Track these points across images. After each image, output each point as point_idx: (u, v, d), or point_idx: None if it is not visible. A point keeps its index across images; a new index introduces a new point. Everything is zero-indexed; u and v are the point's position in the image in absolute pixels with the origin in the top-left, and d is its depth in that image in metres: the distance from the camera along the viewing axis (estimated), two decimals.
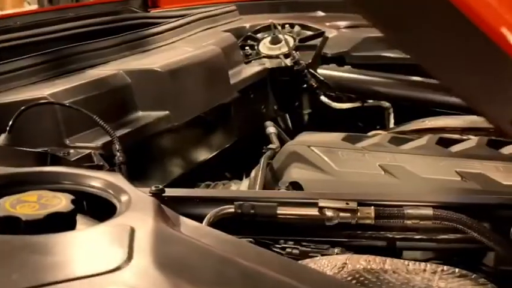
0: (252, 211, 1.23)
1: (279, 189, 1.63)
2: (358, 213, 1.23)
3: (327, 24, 2.78)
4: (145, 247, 0.89)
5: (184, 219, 1.05)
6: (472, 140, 1.79)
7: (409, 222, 1.23)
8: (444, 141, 1.80)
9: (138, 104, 1.76)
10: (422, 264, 1.29)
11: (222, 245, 0.97)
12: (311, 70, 2.46)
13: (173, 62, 1.85)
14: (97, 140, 1.54)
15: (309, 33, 2.65)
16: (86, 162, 1.45)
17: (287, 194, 1.38)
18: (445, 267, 1.29)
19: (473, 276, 1.27)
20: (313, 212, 1.24)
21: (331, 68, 2.49)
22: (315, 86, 2.44)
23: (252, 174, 1.86)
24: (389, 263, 1.29)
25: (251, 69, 2.35)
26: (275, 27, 2.58)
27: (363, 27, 2.81)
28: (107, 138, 1.53)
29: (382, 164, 1.68)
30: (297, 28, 2.65)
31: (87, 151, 1.49)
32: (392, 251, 1.43)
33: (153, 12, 3.31)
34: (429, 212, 1.23)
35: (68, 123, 1.55)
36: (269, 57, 2.54)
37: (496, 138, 1.90)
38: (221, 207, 1.24)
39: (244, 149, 2.24)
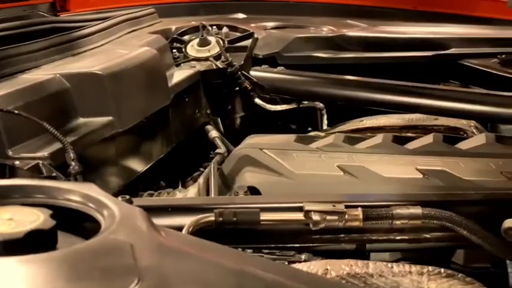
0: (234, 219, 1.14)
1: (236, 195, 1.55)
2: (346, 216, 1.16)
3: (252, 25, 2.72)
4: (151, 265, 0.79)
5: (169, 231, 0.95)
6: (428, 137, 1.76)
7: (397, 222, 1.18)
8: (399, 139, 1.77)
9: (79, 110, 1.63)
10: (407, 265, 1.25)
11: (225, 257, 0.89)
12: (244, 72, 2.39)
13: (113, 64, 1.73)
14: (42, 149, 1.41)
15: (238, 34, 2.58)
16: (34, 173, 1.31)
17: (267, 199, 1.29)
18: (431, 268, 1.25)
19: (459, 276, 1.23)
20: (299, 216, 1.16)
21: (264, 70, 2.44)
22: (250, 88, 2.37)
23: (201, 180, 1.76)
24: (372, 266, 1.24)
25: (184, 72, 2.26)
26: (204, 28, 2.50)
27: (290, 27, 2.78)
28: (54, 147, 1.40)
29: (341, 164, 1.63)
30: (225, 29, 2.57)
31: (34, 162, 1.35)
32: (360, 254, 1.38)
33: (64, 16, 3.15)
34: (418, 211, 1.18)
35: (10, 132, 1.40)
36: (198, 59, 2.45)
37: (447, 135, 1.90)
38: (200, 216, 1.14)
39: (179, 156, 2.14)
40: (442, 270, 1.24)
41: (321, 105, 2.45)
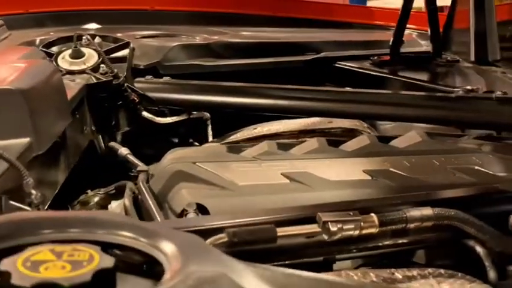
0: (250, 237, 1.02)
1: (186, 214, 1.41)
2: (362, 223, 1.08)
3: (119, 34, 2.56)
4: None
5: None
6: (362, 138, 1.73)
7: (411, 225, 1.12)
8: (332, 142, 1.72)
9: None
10: (405, 270, 1.20)
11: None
12: (129, 84, 2.23)
13: (21, 79, 1.50)
14: None
15: (111, 44, 2.40)
16: None
17: (275, 212, 1.17)
18: (430, 269, 1.21)
19: (459, 275, 1.21)
20: (315, 228, 1.07)
21: (151, 81, 2.29)
22: (137, 101, 2.21)
23: (126, 201, 1.59)
24: (373, 274, 1.18)
25: (71, 87, 2.04)
26: (79, 38, 2.29)
27: (162, 36, 2.66)
28: None
29: (284, 172, 1.55)
30: (97, 39, 2.38)
31: None
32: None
33: None
34: (429, 211, 1.13)
35: None
36: (72, 73, 2.23)
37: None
38: (213, 238, 1.01)
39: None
40: (442, 270, 1.20)
41: (208, 115, 2.34)
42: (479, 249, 1.29)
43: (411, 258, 1.47)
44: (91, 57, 2.28)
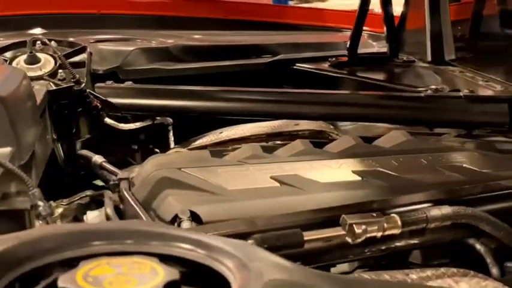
0: (278, 243, 0.98)
1: (179, 221, 1.35)
2: (385, 224, 1.06)
3: (71, 39, 2.46)
4: None
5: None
6: (346, 138, 1.71)
7: (432, 225, 1.10)
8: (316, 144, 1.70)
9: None
10: (419, 270, 1.18)
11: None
12: (90, 90, 2.15)
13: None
14: None
15: (67, 49, 2.31)
16: None
17: (298, 216, 1.12)
18: (443, 269, 1.20)
19: (472, 273, 1.20)
20: (340, 231, 1.03)
21: (113, 86, 2.21)
22: (99, 107, 2.13)
23: (108, 210, 1.52)
24: (387, 277, 1.15)
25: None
26: (34, 43, 2.20)
27: (116, 40, 2.59)
28: None
29: (274, 175, 1.51)
30: (53, 44, 2.28)
31: None
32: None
33: None
34: (449, 210, 1.11)
35: None
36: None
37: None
38: None
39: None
40: (455, 269, 1.19)
41: (170, 120, 2.28)
42: (479, 246, 1.29)
43: (407, 258, 1.46)
44: (47, 62, 2.19)
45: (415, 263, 1.46)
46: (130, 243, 0.73)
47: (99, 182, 2.05)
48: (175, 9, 3.00)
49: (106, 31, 2.77)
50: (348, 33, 2.90)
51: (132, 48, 2.39)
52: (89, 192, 1.99)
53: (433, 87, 2.14)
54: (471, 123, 2.04)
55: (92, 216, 1.69)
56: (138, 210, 1.42)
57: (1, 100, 1.34)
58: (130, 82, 2.23)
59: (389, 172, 1.52)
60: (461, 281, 1.15)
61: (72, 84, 2.08)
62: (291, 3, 7.08)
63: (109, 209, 1.52)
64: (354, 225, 1.03)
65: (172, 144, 2.34)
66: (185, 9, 3.02)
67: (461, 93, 2.04)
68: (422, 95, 2.09)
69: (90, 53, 2.31)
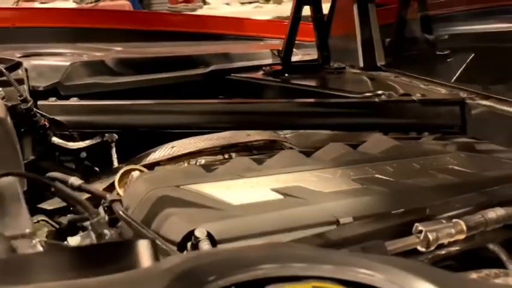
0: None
1: (197, 242, 1.28)
2: (453, 230, 1.05)
3: None
4: None
5: None
6: (334, 146, 1.70)
7: (489, 228, 1.11)
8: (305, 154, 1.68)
9: None
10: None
11: None
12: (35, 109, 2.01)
13: None
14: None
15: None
16: None
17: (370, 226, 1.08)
18: (486, 271, 1.21)
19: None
20: (416, 240, 1.02)
21: (56, 104, 2.08)
22: (47, 126, 2.00)
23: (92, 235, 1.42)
24: None
25: None
26: None
27: (44, 55, 2.45)
28: None
29: (275, 187, 1.48)
30: None
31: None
32: None
33: None
34: (502, 212, 1.13)
35: None
36: None
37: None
38: None
39: None
40: (496, 270, 1.21)
41: (116, 136, 2.18)
42: (492, 246, 1.32)
43: None
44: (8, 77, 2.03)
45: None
46: (298, 267, 0.68)
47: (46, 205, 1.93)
48: (92, 21, 2.89)
49: (23, 46, 2.62)
50: (271, 42, 2.92)
51: (69, 63, 2.27)
52: (42, 217, 1.87)
53: (380, 92, 2.18)
54: (426, 126, 2.09)
55: (74, 242, 1.58)
56: (145, 231, 1.34)
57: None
58: (75, 98, 2.11)
59: (387, 178, 1.53)
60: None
61: (19, 102, 1.94)
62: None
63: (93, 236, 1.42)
64: (428, 233, 1.02)
65: (115, 162, 2.24)
66: (102, 21, 2.91)
67: (414, 98, 2.09)
68: (376, 100, 2.12)
69: (26, 69, 2.16)
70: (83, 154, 2.22)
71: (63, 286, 0.65)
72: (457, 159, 1.62)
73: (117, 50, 2.60)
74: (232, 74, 2.59)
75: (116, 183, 1.74)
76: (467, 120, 2.05)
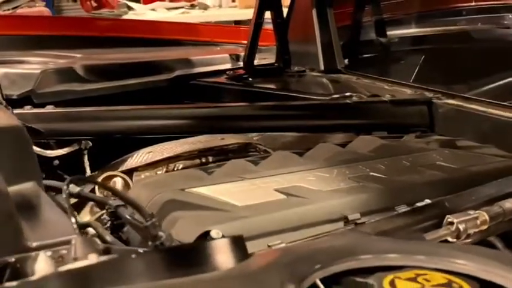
0: None
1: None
2: (478, 221, 1.12)
3: None
4: None
5: None
6: (324, 146, 1.75)
7: (506, 218, 1.18)
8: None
9: None
10: None
11: None
12: None
13: None
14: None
15: None
16: None
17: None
18: None
19: None
20: (447, 230, 1.08)
21: (33, 112, 2.04)
22: None
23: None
24: None
25: None
26: None
27: (11, 63, 2.41)
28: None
29: (278, 188, 1.52)
30: None
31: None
32: None
33: None
34: None
35: None
36: None
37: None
38: None
39: None
40: None
41: (90, 144, 2.17)
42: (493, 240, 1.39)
43: None
44: None
45: None
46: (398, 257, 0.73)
47: None
48: (48, 28, 2.85)
49: None
50: (227, 47, 2.95)
51: (39, 70, 2.24)
52: None
53: (348, 94, 2.24)
54: (397, 126, 2.17)
55: None
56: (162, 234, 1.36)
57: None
58: (51, 106, 2.09)
59: (381, 176, 1.59)
60: None
61: None
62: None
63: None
64: (458, 224, 1.08)
65: (88, 170, 2.22)
66: (58, 28, 2.88)
67: (385, 99, 2.17)
68: (348, 101, 2.18)
69: None
70: (56, 162, 2.20)
71: (181, 285, 0.66)
72: (442, 155, 1.70)
73: (80, 57, 2.58)
74: (197, 79, 2.61)
75: (97, 190, 1.76)
76: (435, 119, 2.14)
